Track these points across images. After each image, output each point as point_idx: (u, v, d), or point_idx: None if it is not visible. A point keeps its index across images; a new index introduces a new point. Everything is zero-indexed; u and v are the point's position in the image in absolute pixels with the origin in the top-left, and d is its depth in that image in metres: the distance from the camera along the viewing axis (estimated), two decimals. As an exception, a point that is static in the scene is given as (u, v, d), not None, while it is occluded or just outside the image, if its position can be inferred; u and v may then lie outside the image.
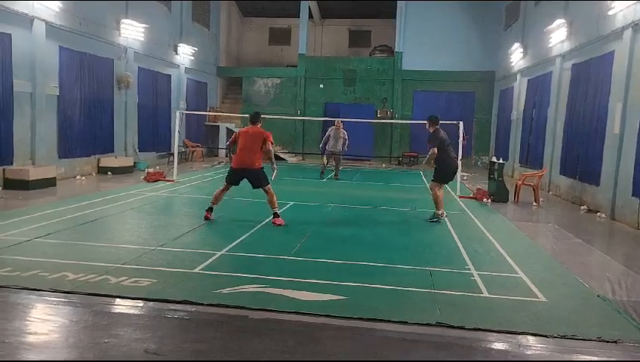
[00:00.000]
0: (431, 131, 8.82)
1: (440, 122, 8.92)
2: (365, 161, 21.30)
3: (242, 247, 6.48)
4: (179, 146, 14.76)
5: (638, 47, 9.29)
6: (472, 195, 11.92)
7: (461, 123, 11.74)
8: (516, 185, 11.77)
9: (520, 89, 17.18)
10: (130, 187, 11.55)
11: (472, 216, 9.43)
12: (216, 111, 22.00)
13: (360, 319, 4.19)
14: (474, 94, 21.77)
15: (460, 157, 12.03)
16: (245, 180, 7.98)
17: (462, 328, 4.09)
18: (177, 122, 13.62)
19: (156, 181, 12.60)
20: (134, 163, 15.18)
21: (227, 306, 4.37)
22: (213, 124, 21.87)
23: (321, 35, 25.64)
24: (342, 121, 15.00)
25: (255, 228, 7.60)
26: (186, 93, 19.73)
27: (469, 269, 5.83)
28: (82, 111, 13.39)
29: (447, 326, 4.11)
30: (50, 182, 11.10)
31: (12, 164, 10.92)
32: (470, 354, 3.75)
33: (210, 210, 8.02)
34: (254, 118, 8.15)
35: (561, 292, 5.13)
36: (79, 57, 13.13)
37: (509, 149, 17.92)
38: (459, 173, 12.34)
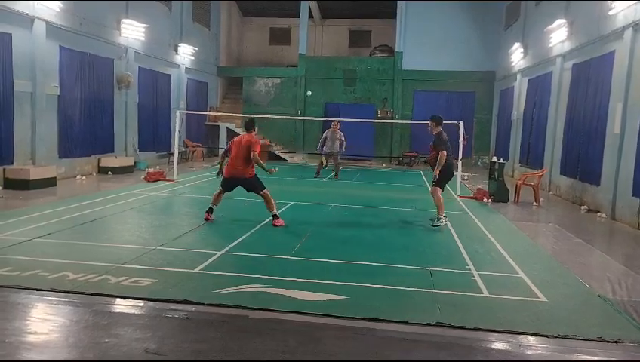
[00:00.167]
0: (435, 133, 8.36)
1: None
2: (366, 160, 21.29)
3: (242, 247, 6.48)
4: (179, 146, 14.75)
5: (639, 47, 9.29)
6: (472, 195, 11.91)
7: (461, 123, 11.73)
8: (516, 185, 11.76)
9: (520, 89, 17.18)
10: (131, 187, 11.55)
11: (473, 216, 9.42)
12: (217, 111, 22.00)
13: (361, 319, 4.19)
14: (474, 94, 21.77)
15: (460, 157, 12.05)
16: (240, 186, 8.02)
17: (462, 328, 4.09)
18: (177, 122, 13.62)
19: (156, 181, 12.60)
20: (135, 163, 15.19)
21: (227, 306, 4.37)
22: (214, 124, 21.87)
23: (321, 35, 25.65)
24: (340, 122, 15.11)
25: (255, 228, 7.60)
26: (186, 93, 19.73)
27: (470, 269, 5.83)
28: (83, 111, 13.40)
29: (447, 326, 4.11)
30: (50, 182, 11.11)
31: (12, 163, 10.93)
32: (471, 354, 3.74)
33: (210, 211, 8.02)
34: (248, 126, 8.09)
35: (562, 293, 5.13)
36: (80, 57, 13.14)
37: (510, 149, 17.92)
38: (459, 173, 12.39)
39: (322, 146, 14.73)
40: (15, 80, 10.91)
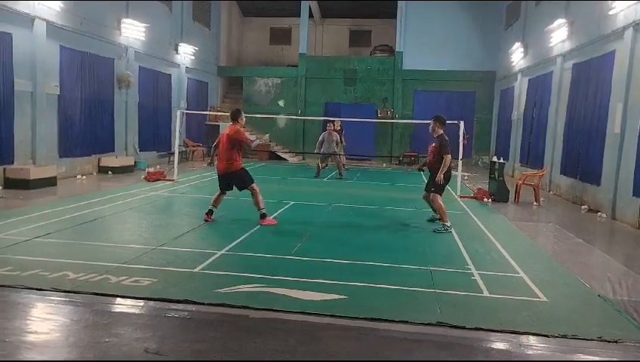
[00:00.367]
0: (437, 135, 8.07)
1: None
2: (366, 160, 21.29)
3: (243, 247, 6.48)
4: (179, 146, 14.75)
5: (639, 47, 9.28)
6: (472, 195, 11.91)
7: (462, 123, 11.74)
8: (517, 185, 11.76)
9: (521, 89, 17.17)
10: (131, 186, 11.55)
11: (473, 216, 9.42)
12: (217, 111, 21.99)
13: (361, 319, 4.19)
14: (474, 94, 21.76)
15: (460, 157, 12.04)
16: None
17: (463, 328, 4.09)
18: (178, 122, 13.61)
19: (156, 180, 12.60)
20: (135, 162, 15.18)
21: (228, 306, 4.37)
22: (214, 123, 21.85)
23: (321, 34, 25.63)
24: (340, 122, 15.19)
25: (255, 228, 7.59)
26: (186, 93, 19.73)
27: (470, 269, 5.83)
28: (83, 110, 13.40)
29: (448, 326, 4.11)
30: (50, 182, 11.11)
31: (13, 163, 10.93)
32: (471, 353, 3.74)
33: (210, 212, 7.97)
34: (233, 116, 7.96)
35: (562, 292, 5.13)
36: (80, 57, 13.14)
37: (510, 149, 17.91)
38: (459, 173, 12.39)
39: (319, 149, 14.85)
40: (15, 79, 10.91)
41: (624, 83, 9.57)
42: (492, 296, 4.94)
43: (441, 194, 8.09)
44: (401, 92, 22.00)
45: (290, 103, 22.66)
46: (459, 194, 11.92)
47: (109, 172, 13.91)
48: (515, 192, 11.57)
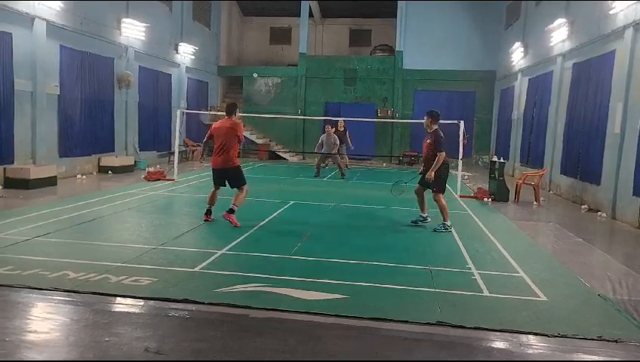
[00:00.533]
0: (430, 131, 7.89)
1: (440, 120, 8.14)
2: (366, 160, 21.30)
3: (243, 247, 6.48)
4: (179, 146, 14.75)
5: (639, 47, 9.28)
6: (472, 195, 11.90)
7: (462, 122, 11.73)
8: (517, 185, 11.76)
9: (521, 88, 17.17)
10: (131, 186, 11.55)
11: (473, 216, 9.42)
12: (217, 111, 21.96)
13: (361, 318, 4.19)
14: (475, 94, 21.75)
15: (460, 156, 12.04)
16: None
17: (463, 327, 4.09)
18: (178, 121, 13.61)
19: (157, 180, 12.60)
20: (135, 162, 15.18)
21: (228, 305, 4.37)
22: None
23: (321, 34, 25.62)
24: (344, 122, 15.22)
25: (255, 228, 7.60)
26: (186, 93, 19.72)
27: (470, 269, 5.83)
28: (83, 110, 13.40)
29: (448, 326, 4.10)
30: (50, 181, 11.10)
31: (13, 163, 10.93)
32: (471, 353, 3.74)
33: (208, 212, 7.95)
34: (229, 110, 7.89)
35: (562, 292, 5.13)
36: (80, 56, 13.14)
37: (510, 149, 17.90)
38: (459, 173, 12.39)
39: (319, 150, 14.91)
40: (15, 79, 10.91)
41: (624, 83, 9.57)
42: (492, 295, 4.94)
43: (443, 193, 8.05)
44: (401, 92, 22.00)
45: (291, 103, 22.65)
46: (459, 193, 11.91)
47: (109, 172, 13.91)
48: (515, 192, 11.56)
